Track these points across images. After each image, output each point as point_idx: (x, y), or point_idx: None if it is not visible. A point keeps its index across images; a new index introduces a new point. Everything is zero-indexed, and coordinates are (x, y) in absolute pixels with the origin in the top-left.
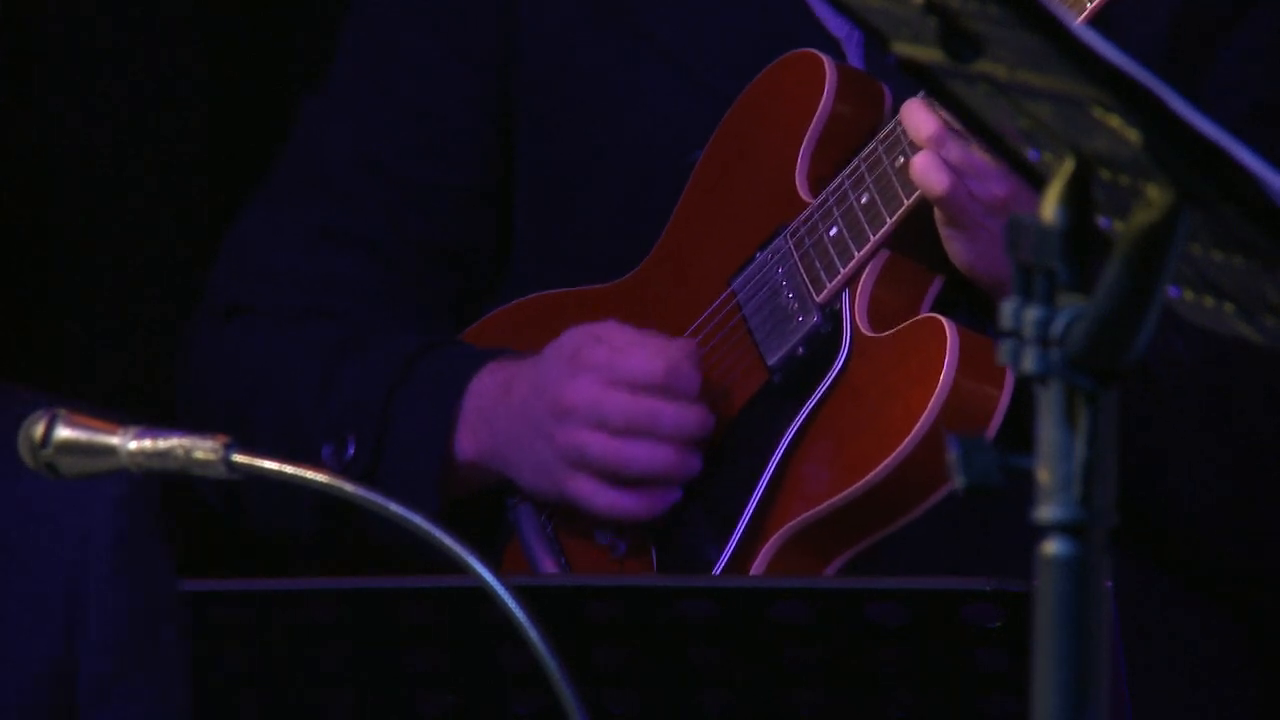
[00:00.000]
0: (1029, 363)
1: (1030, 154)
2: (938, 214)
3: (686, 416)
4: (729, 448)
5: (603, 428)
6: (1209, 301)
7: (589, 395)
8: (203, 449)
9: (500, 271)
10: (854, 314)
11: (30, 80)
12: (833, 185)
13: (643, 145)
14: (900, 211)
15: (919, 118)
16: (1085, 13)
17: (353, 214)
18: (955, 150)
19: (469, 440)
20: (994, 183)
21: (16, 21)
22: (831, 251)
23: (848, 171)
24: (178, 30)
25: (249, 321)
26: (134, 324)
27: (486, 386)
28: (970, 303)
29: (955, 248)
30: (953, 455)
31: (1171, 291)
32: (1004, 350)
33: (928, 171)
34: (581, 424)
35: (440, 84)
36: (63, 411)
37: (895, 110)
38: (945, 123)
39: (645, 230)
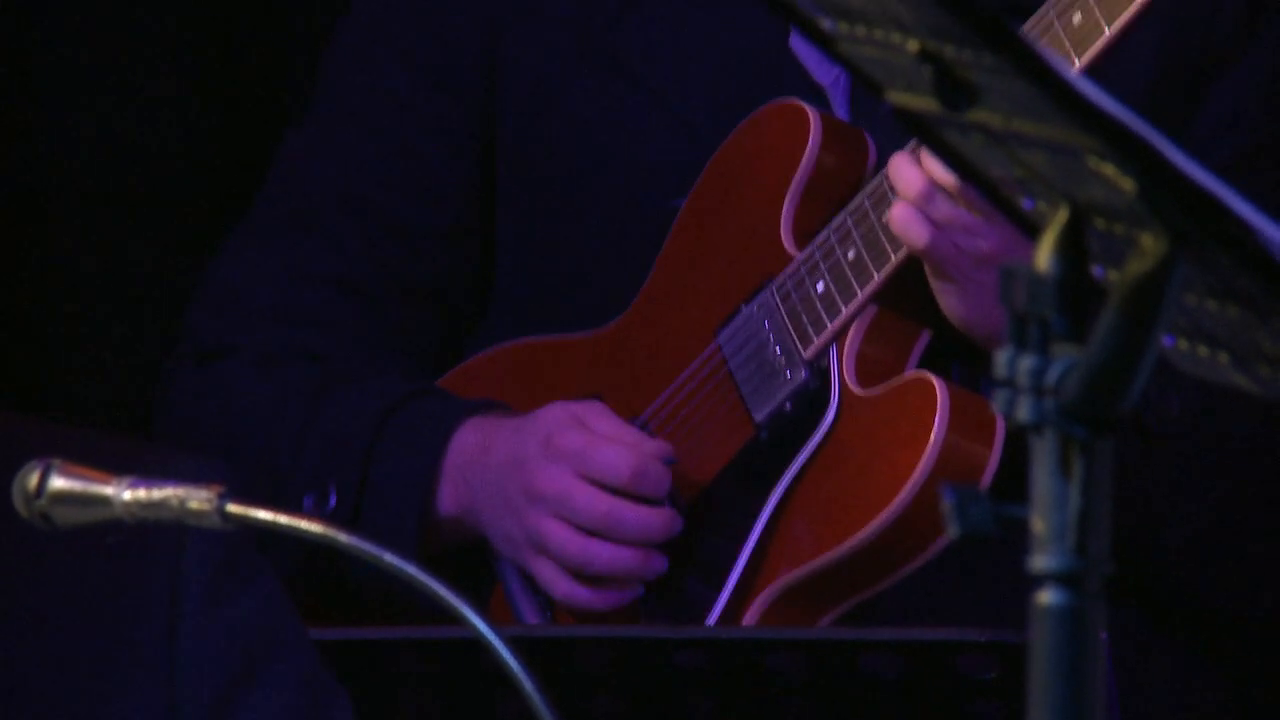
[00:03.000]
0: (1023, 412)
1: (1025, 203)
2: (927, 267)
3: (650, 520)
4: (716, 505)
5: (568, 522)
6: (1203, 351)
7: (558, 486)
8: (197, 499)
9: (482, 312)
10: (842, 370)
11: (21, 107)
12: (819, 239)
13: (625, 187)
14: (888, 267)
15: (905, 173)
16: (1083, 59)
17: (334, 253)
18: (942, 205)
19: (449, 495)
20: (981, 237)
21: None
22: (818, 307)
23: (834, 226)
24: (164, 69)
25: (229, 364)
26: (123, 350)
27: (467, 443)
28: (958, 356)
29: (947, 301)
30: (947, 504)
31: (1166, 341)
32: (998, 399)
33: (908, 224)
34: (548, 513)
35: (423, 122)
36: (57, 461)
37: (881, 162)
38: (932, 178)
39: (627, 274)
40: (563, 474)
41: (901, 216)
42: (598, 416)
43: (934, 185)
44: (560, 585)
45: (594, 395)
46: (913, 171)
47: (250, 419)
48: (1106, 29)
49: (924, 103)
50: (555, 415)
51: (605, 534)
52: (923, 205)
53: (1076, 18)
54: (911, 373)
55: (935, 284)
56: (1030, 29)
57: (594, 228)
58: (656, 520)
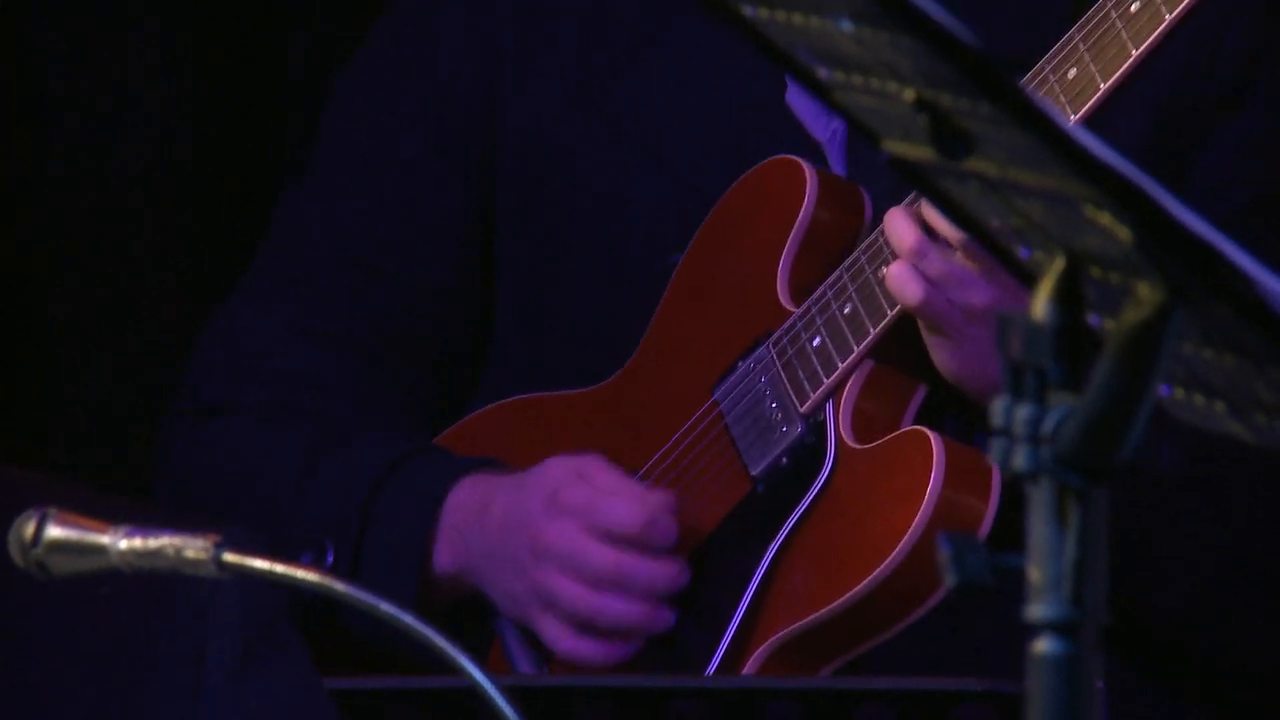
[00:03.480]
0: (1019, 461)
1: (1021, 252)
2: (920, 323)
3: (660, 572)
4: (713, 559)
5: (577, 576)
6: (1200, 400)
7: (566, 541)
8: (193, 548)
9: (480, 368)
10: (838, 425)
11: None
12: (815, 294)
13: (623, 243)
14: (884, 322)
15: (900, 229)
16: (1079, 114)
17: (332, 310)
18: (936, 261)
19: (446, 553)
20: (975, 291)
21: None
22: (815, 361)
23: (830, 281)
24: (161, 116)
25: (227, 421)
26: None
27: (464, 501)
28: (955, 412)
29: (940, 356)
30: (944, 554)
31: (1163, 390)
32: (994, 448)
33: (904, 282)
34: (556, 568)
35: (421, 180)
36: (53, 510)
37: (877, 217)
38: (927, 233)
39: (625, 331)
40: (570, 529)
41: (897, 273)
42: (600, 470)
43: (928, 240)
44: (565, 641)
45: (593, 451)
46: (907, 226)
47: (248, 476)
48: (1102, 84)
49: (920, 152)
50: (557, 471)
51: (616, 587)
52: (916, 261)
53: (1072, 72)
54: (908, 427)
55: (929, 339)
56: (1026, 84)
57: (592, 283)
58: (666, 572)
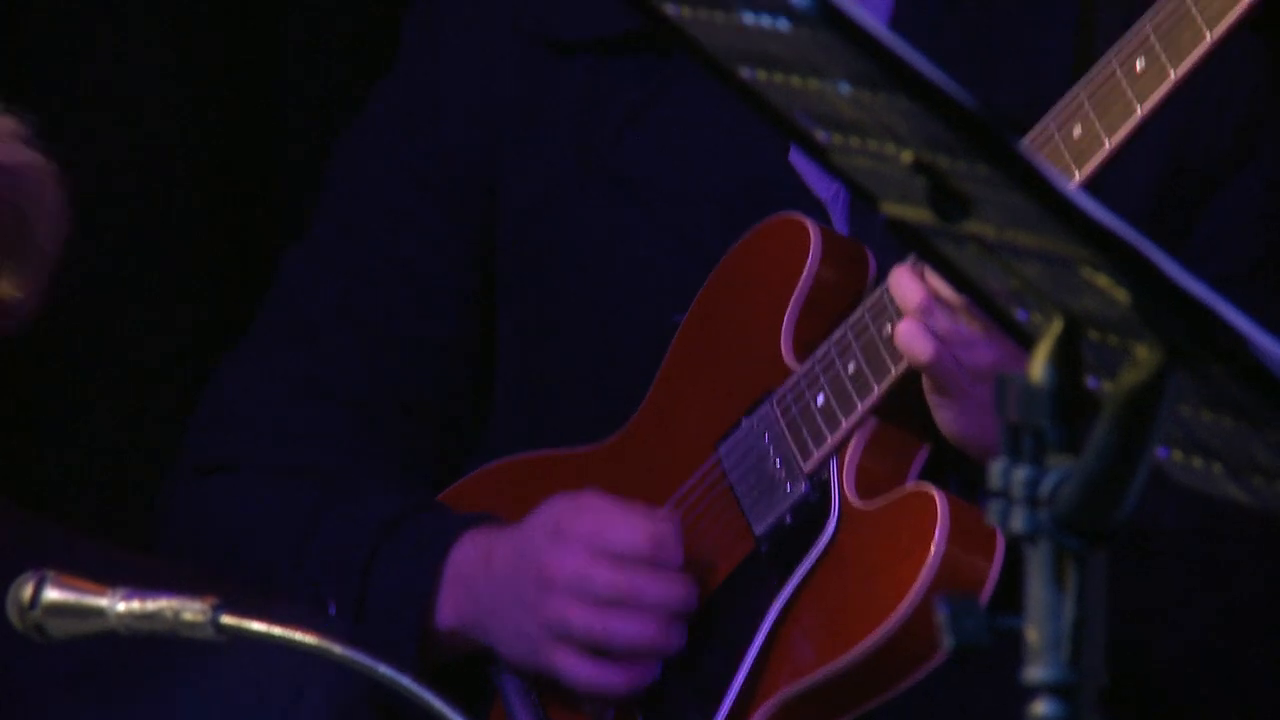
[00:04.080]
0: (1017, 522)
1: (1019, 314)
2: (925, 382)
3: (671, 589)
4: (715, 617)
5: (587, 600)
6: (1198, 462)
7: (573, 567)
8: (191, 610)
9: (483, 425)
10: (842, 483)
11: None
12: (819, 352)
13: (626, 302)
14: (888, 380)
15: (906, 286)
16: (1084, 171)
17: (334, 369)
18: (941, 319)
19: (449, 608)
20: (981, 351)
21: None
22: (819, 419)
23: (834, 339)
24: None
25: (228, 479)
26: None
27: (466, 554)
28: (958, 469)
29: (943, 416)
30: (942, 616)
31: (1160, 452)
32: (992, 510)
33: (912, 339)
34: (566, 595)
35: (422, 237)
36: (51, 573)
37: (881, 276)
38: (932, 291)
39: (627, 388)
40: (576, 555)
41: (905, 331)
42: (600, 499)
43: (934, 298)
44: (582, 670)
45: None
46: (913, 284)
47: (249, 534)
48: (1107, 142)
49: (918, 214)
50: (557, 505)
51: (627, 607)
52: (924, 318)
53: (1077, 130)
54: (911, 485)
55: (932, 399)
56: (1030, 141)
57: (593, 341)
58: (677, 587)
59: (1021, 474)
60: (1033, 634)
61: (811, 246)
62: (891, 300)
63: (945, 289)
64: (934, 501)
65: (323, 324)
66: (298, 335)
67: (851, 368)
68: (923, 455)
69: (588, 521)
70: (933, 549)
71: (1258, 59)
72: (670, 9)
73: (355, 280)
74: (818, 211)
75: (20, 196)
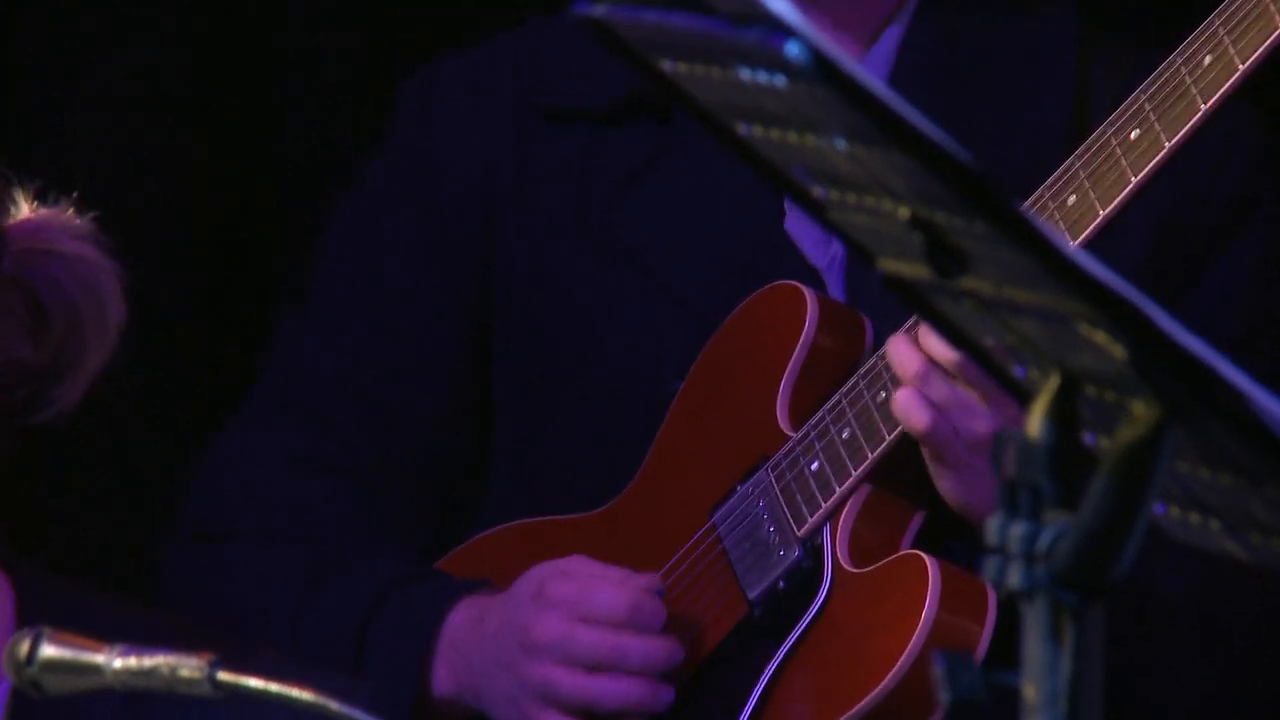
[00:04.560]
0: (1014, 578)
1: (1016, 370)
2: (924, 450)
3: (653, 650)
4: (710, 681)
5: (571, 664)
6: (1195, 519)
7: (556, 631)
8: (187, 667)
9: (480, 493)
10: (835, 549)
11: None
12: (814, 419)
13: (623, 368)
14: (882, 447)
15: (903, 354)
16: (1078, 240)
17: (330, 437)
18: (939, 387)
19: (444, 674)
20: (979, 420)
21: None
22: (813, 485)
23: (829, 405)
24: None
25: (225, 547)
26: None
27: (461, 620)
28: (953, 535)
29: (944, 484)
30: (938, 671)
31: (1157, 508)
32: (989, 566)
33: (909, 408)
34: (550, 660)
35: (419, 307)
36: (47, 629)
37: (877, 343)
38: (930, 359)
39: (623, 455)
40: (559, 620)
41: (903, 399)
42: (582, 563)
43: (931, 365)
44: None
45: None
46: (910, 352)
47: (247, 603)
48: (1101, 211)
49: (915, 270)
50: (541, 571)
51: (612, 668)
52: (921, 386)
53: (1071, 199)
54: (904, 551)
55: (933, 467)
56: (1025, 210)
57: (590, 408)
58: (659, 648)
59: (1019, 530)
60: (1030, 690)
61: (808, 314)
62: (887, 368)
63: (944, 355)
64: (926, 567)
65: (319, 394)
66: (294, 405)
67: (846, 434)
68: (917, 521)
69: (570, 586)
70: (924, 614)
71: (1252, 124)
72: (667, 66)
73: (352, 351)
74: (813, 278)
75: (86, 295)
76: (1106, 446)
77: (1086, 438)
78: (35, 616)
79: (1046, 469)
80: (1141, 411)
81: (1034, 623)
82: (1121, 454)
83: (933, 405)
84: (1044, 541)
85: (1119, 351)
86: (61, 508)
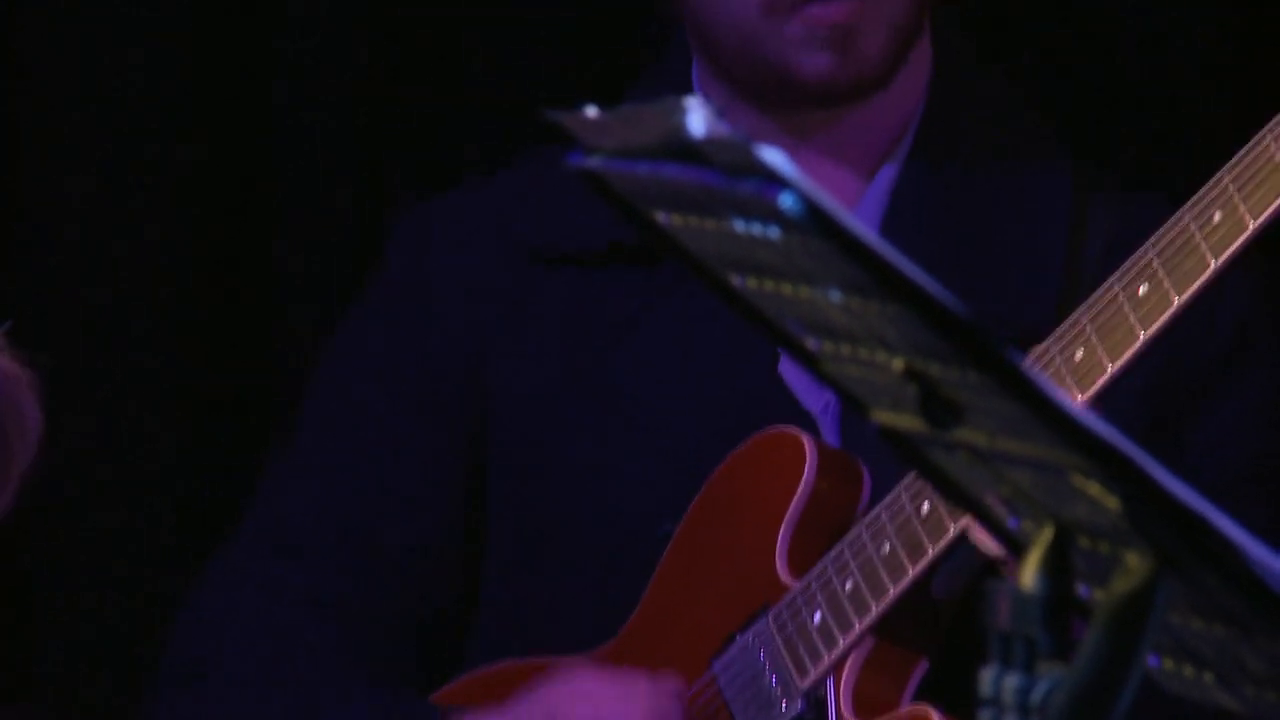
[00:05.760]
0: None
1: (1010, 522)
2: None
3: None
4: None
5: None
6: (1189, 671)
7: None
8: None
9: (467, 632)
10: (839, 701)
11: None
12: (816, 570)
13: (614, 513)
14: (886, 600)
15: None
16: (1085, 394)
17: (317, 578)
18: None
19: None
20: None
21: None
22: (815, 638)
23: (832, 556)
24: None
25: (211, 686)
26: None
27: None
28: (955, 687)
29: None
30: None
31: (1151, 660)
32: (984, 718)
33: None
34: None
35: (406, 449)
36: None
37: (876, 491)
38: None
39: (617, 599)
40: None
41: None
42: (594, 682)
43: None
44: None
45: None
46: None
47: None
48: (1109, 366)
49: (909, 422)
50: (553, 690)
51: None
52: None
53: (1079, 354)
54: (908, 706)
55: None
56: (1032, 363)
57: (583, 552)
58: None
59: (1013, 682)
60: None
61: (807, 462)
62: (892, 518)
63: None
64: None
65: (306, 534)
66: (280, 545)
67: (849, 586)
68: (920, 671)
69: (585, 710)
70: None
71: (1250, 267)
72: (661, 217)
73: (338, 491)
74: (807, 424)
75: (6, 408)
76: (1100, 598)
77: (1080, 590)
78: None
79: (1040, 621)
80: (1135, 563)
81: None
82: (1115, 606)
83: None
84: (1038, 694)
85: (1112, 503)
86: (53, 641)
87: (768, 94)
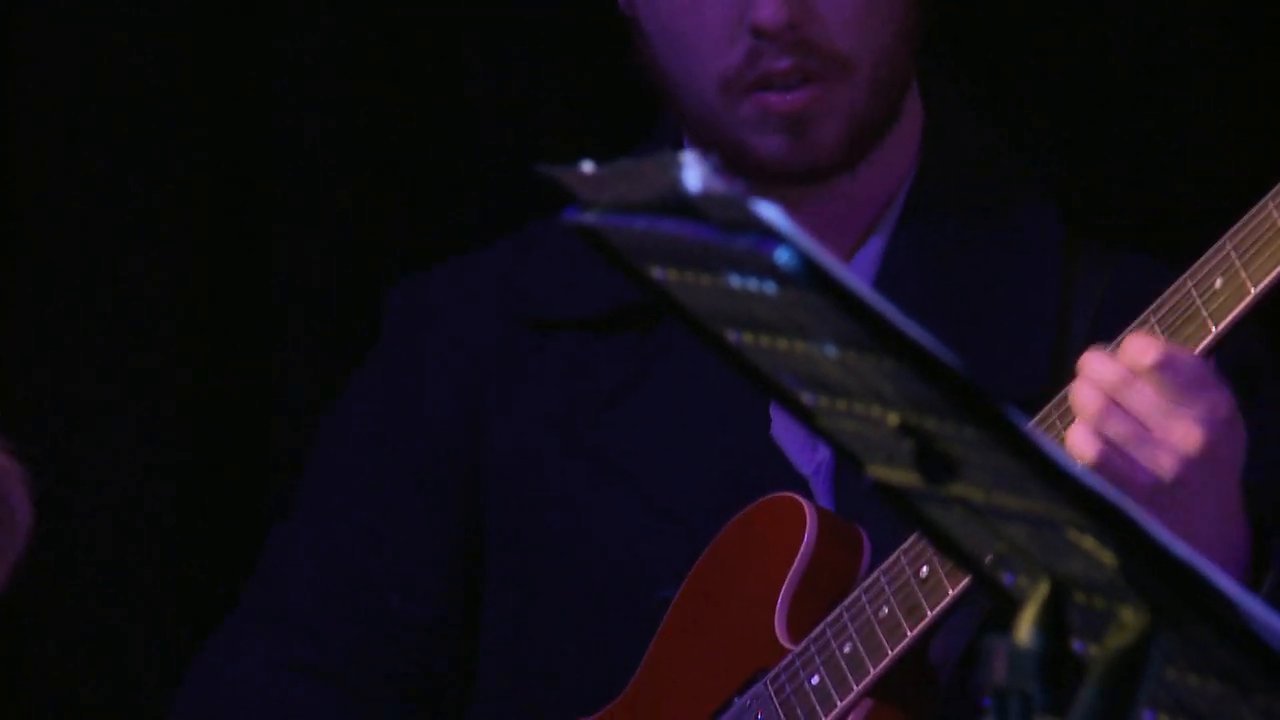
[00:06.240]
0: None
1: (1006, 577)
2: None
3: None
4: None
5: None
6: None
7: None
8: None
9: (467, 699)
10: None
11: None
12: (815, 632)
13: (611, 579)
14: (884, 662)
15: (1082, 395)
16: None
17: (317, 647)
18: (1118, 423)
19: None
20: (1163, 454)
21: None
22: (813, 700)
23: (830, 619)
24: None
25: None
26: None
27: None
28: None
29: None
30: None
31: (1147, 716)
32: None
33: (1077, 444)
34: None
35: (404, 519)
36: None
37: (875, 556)
38: (1110, 398)
39: (615, 664)
40: None
41: (1075, 437)
42: None
43: (1112, 404)
44: None
45: None
46: (1089, 393)
47: None
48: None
49: (904, 477)
50: None
51: None
52: (1099, 425)
53: None
54: None
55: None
56: (1034, 426)
57: (580, 617)
58: None
59: None
60: None
61: (807, 527)
62: (890, 582)
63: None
64: None
65: (306, 602)
66: (280, 614)
67: (847, 649)
68: None
69: None
70: None
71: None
72: (657, 272)
73: (338, 562)
74: (800, 486)
75: None
76: (1096, 654)
77: (1076, 645)
78: None
79: (1036, 676)
80: (1130, 618)
81: None
82: (1110, 661)
83: (1106, 440)
84: None
85: (1108, 558)
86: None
87: (735, 170)
